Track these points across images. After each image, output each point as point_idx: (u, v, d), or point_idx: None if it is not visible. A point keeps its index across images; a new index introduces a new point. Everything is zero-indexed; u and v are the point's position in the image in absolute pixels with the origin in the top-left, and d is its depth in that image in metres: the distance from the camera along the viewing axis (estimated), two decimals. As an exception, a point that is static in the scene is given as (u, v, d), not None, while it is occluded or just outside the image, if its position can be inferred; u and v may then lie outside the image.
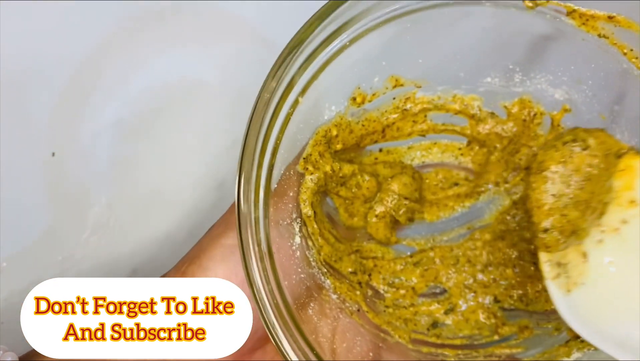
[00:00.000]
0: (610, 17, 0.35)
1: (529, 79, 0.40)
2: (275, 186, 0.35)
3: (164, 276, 0.36)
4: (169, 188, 0.45)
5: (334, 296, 0.38)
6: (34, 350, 0.31)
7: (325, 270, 0.38)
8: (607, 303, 0.31)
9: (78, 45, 0.43)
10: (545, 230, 0.32)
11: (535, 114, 0.40)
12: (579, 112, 0.39)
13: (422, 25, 0.37)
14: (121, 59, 0.45)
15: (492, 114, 0.41)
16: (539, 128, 0.41)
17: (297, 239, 0.37)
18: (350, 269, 0.39)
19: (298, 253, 0.36)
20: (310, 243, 0.38)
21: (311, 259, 0.37)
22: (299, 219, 0.37)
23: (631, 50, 0.36)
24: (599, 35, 0.36)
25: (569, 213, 0.32)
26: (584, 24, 0.36)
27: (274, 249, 0.33)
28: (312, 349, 0.32)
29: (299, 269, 0.36)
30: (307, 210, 0.37)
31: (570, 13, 0.36)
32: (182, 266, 0.36)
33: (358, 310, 0.38)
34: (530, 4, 0.36)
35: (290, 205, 0.36)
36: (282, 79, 0.33)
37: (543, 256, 0.34)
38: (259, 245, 0.33)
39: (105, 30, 0.44)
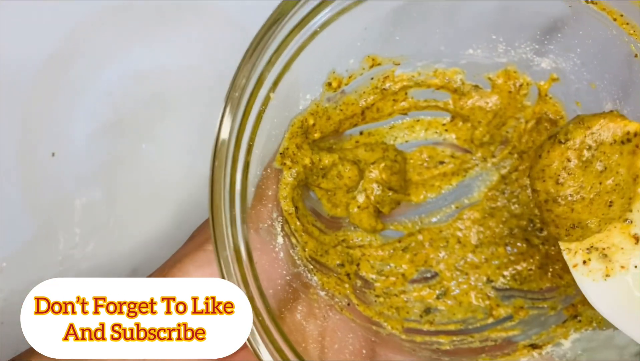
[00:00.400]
0: (598, -17, 0.33)
1: (513, 48, 0.37)
2: (253, 189, 0.33)
3: (149, 277, 0.36)
4: (169, 187, 0.44)
5: (322, 293, 0.36)
6: (30, 349, 0.30)
7: (312, 267, 0.37)
8: None
9: (77, 43, 0.43)
10: (574, 226, 0.30)
11: (521, 85, 0.38)
12: (568, 82, 0.37)
13: (396, 2, 0.34)
14: (119, 58, 0.44)
15: (476, 87, 0.39)
16: (525, 99, 0.39)
17: (280, 240, 0.35)
18: (337, 262, 0.38)
19: (282, 254, 0.35)
20: (294, 241, 0.36)
21: (296, 257, 0.36)
22: (280, 218, 0.35)
23: (621, 15, 0.33)
24: (586, 1, 0.34)
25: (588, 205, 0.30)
26: (571, -11, 0.33)
27: (255, 254, 0.32)
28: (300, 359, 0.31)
29: (284, 272, 0.34)
30: (288, 207, 0.36)
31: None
32: (165, 270, 0.35)
33: (348, 304, 0.37)
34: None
35: (270, 205, 0.35)
36: (250, 74, 0.31)
37: (563, 245, 0.32)
38: (237, 252, 0.31)
39: (103, 29, 0.43)
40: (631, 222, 0.30)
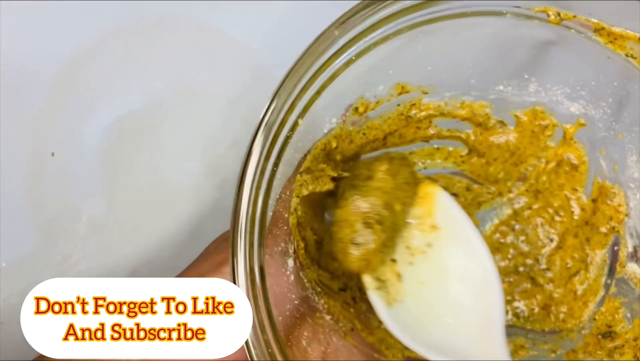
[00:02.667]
0: (641, 39, 0.32)
1: (544, 90, 0.37)
2: (271, 212, 0.32)
3: None
4: (169, 188, 0.44)
5: (328, 318, 0.36)
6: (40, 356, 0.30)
7: (319, 289, 0.36)
8: (423, 316, 0.34)
9: (78, 44, 0.42)
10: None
11: (546, 126, 0.38)
12: (594, 129, 0.37)
13: (433, 34, 0.33)
14: (120, 59, 0.43)
15: (501, 122, 0.38)
16: (549, 140, 0.38)
17: (291, 262, 0.35)
18: (340, 286, 0.38)
19: (292, 277, 0.34)
20: (304, 262, 0.36)
21: (305, 280, 0.36)
22: (293, 240, 0.35)
23: (659, 72, 0.33)
24: (627, 55, 0.33)
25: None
26: (611, 42, 0.33)
27: (269, 280, 0.32)
28: None
29: (293, 296, 0.34)
30: (293, 220, 0.35)
31: (598, 31, 0.33)
32: None
33: (352, 329, 0.37)
34: (554, 19, 0.32)
35: (286, 227, 0.34)
36: (284, 103, 0.30)
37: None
38: (252, 278, 0.31)
39: (104, 30, 0.43)
40: (395, 261, 0.35)
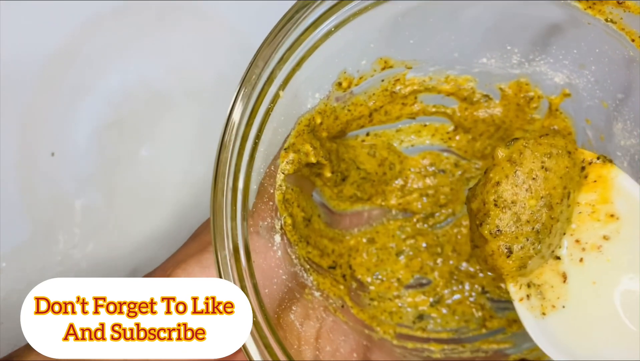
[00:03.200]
0: (619, 2, 0.32)
1: (527, 61, 0.37)
2: (256, 187, 0.32)
3: (148, 275, 0.36)
4: (169, 187, 0.44)
5: (317, 294, 0.36)
6: (27, 346, 0.31)
7: (308, 266, 0.36)
8: (588, 328, 0.28)
9: (73, 36, 0.42)
10: (509, 255, 0.29)
11: (532, 98, 0.38)
12: (580, 98, 0.37)
13: (414, 7, 0.34)
14: (119, 56, 0.43)
15: (487, 96, 0.38)
16: (535, 112, 0.38)
17: (278, 238, 0.35)
18: (330, 264, 0.38)
19: (279, 253, 0.34)
20: (292, 239, 0.36)
21: (293, 256, 0.36)
22: (279, 215, 0.35)
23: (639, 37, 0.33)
24: (606, 20, 0.33)
25: (527, 234, 0.29)
26: (590, 7, 0.33)
27: (253, 254, 0.31)
28: None
29: (280, 271, 0.34)
30: (279, 197, 0.34)
31: (577, -4, 0.33)
32: (167, 269, 0.35)
33: (342, 306, 0.37)
34: (534, -13, 0.33)
35: (271, 202, 0.34)
36: (262, 72, 0.30)
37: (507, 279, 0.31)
38: (236, 251, 0.31)
39: (101, 21, 0.43)
40: (560, 259, 0.30)
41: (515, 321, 0.38)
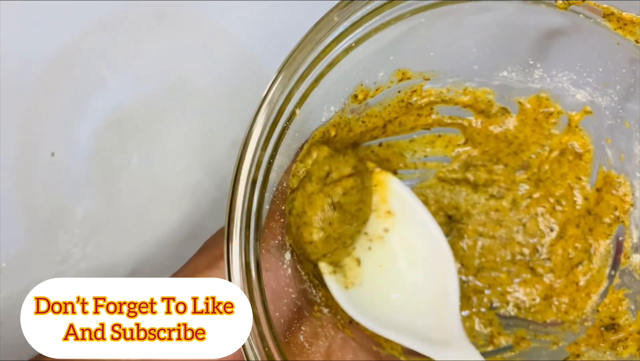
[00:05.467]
0: (651, 25, 0.31)
1: (549, 76, 0.36)
2: (268, 206, 0.31)
3: None
4: (169, 188, 0.43)
5: (326, 311, 0.35)
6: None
7: (317, 282, 0.36)
8: (379, 297, 0.36)
9: (71, 40, 0.41)
10: (311, 242, 0.34)
11: (551, 113, 0.37)
12: (601, 117, 0.36)
13: (436, 19, 0.32)
14: (120, 58, 0.42)
15: (504, 109, 0.37)
16: (553, 127, 0.37)
17: (288, 255, 0.34)
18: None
19: (289, 271, 0.34)
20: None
21: (302, 273, 0.35)
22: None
23: (669, 60, 0.32)
24: (636, 41, 0.32)
25: (333, 227, 0.34)
26: (620, 28, 0.32)
27: (265, 275, 0.31)
28: None
29: (290, 290, 0.33)
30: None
31: (607, 16, 0.31)
32: None
33: (350, 322, 0.36)
34: (562, 4, 0.31)
35: (282, 220, 0.33)
36: (281, 93, 0.29)
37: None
38: (248, 273, 0.30)
39: (99, 26, 0.42)
40: (354, 248, 0.36)
41: (524, 338, 0.38)
